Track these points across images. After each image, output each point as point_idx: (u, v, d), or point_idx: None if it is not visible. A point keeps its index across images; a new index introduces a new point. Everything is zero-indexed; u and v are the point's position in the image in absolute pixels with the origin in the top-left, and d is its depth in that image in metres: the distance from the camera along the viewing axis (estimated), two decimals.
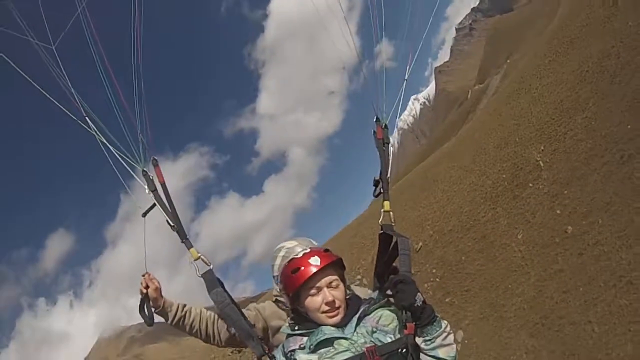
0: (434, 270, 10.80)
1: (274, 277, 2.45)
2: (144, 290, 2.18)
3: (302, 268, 1.75)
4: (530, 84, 14.79)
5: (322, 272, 1.75)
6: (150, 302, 2.20)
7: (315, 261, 1.75)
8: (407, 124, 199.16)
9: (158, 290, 2.22)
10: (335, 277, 1.79)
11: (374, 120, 2.34)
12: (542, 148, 11.16)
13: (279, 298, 2.48)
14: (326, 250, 1.85)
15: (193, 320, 2.31)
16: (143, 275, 2.20)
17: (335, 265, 1.81)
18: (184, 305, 2.33)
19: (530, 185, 10.67)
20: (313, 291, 1.75)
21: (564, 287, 8.40)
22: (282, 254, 2.42)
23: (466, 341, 8.41)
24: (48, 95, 2.10)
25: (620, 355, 6.83)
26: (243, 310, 2.30)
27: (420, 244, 11.79)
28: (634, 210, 7.91)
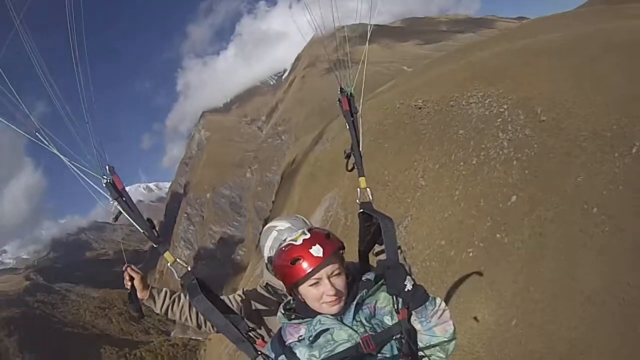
0: None
1: (265, 257, 2.44)
2: (129, 283, 2.18)
3: (302, 259, 1.59)
4: None
5: (325, 262, 1.59)
6: (138, 293, 2.19)
7: (317, 251, 1.59)
8: None
9: (143, 279, 2.22)
10: (337, 265, 1.64)
11: (338, 90, 2.18)
12: None
13: (270, 284, 2.51)
14: (327, 236, 1.67)
15: (182, 308, 2.30)
16: (124, 270, 2.19)
17: (337, 251, 1.65)
18: (172, 293, 2.32)
19: None
20: (314, 282, 1.61)
21: None
22: (273, 235, 2.39)
23: None
24: None
25: None
26: (231, 296, 2.46)
27: None
28: None
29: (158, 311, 2.28)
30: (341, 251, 1.69)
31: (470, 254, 8.75)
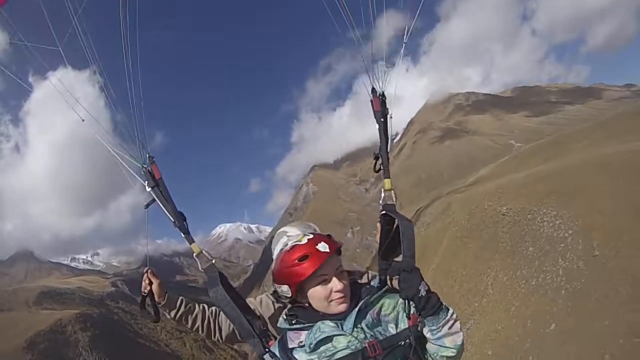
0: None
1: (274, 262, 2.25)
2: (148, 287, 2.20)
3: (311, 255, 1.61)
4: None
5: (331, 258, 1.63)
6: (155, 298, 2.22)
7: (323, 247, 1.63)
8: None
9: (161, 284, 2.23)
10: (340, 263, 1.70)
11: (370, 91, 2.18)
12: None
13: (277, 290, 2.24)
14: (329, 236, 1.75)
15: (195, 317, 2.34)
16: (145, 272, 2.22)
17: (338, 249, 1.71)
18: (188, 302, 2.36)
19: None
20: (322, 279, 1.63)
21: None
22: (283, 240, 2.34)
23: None
24: None
25: None
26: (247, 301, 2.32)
27: None
28: None
29: (172, 317, 2.32)
30: (340, 253, 1.73)
31: None
